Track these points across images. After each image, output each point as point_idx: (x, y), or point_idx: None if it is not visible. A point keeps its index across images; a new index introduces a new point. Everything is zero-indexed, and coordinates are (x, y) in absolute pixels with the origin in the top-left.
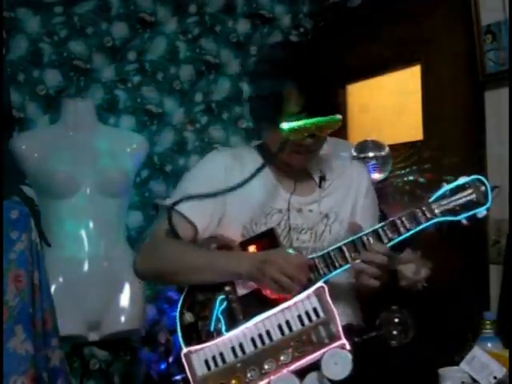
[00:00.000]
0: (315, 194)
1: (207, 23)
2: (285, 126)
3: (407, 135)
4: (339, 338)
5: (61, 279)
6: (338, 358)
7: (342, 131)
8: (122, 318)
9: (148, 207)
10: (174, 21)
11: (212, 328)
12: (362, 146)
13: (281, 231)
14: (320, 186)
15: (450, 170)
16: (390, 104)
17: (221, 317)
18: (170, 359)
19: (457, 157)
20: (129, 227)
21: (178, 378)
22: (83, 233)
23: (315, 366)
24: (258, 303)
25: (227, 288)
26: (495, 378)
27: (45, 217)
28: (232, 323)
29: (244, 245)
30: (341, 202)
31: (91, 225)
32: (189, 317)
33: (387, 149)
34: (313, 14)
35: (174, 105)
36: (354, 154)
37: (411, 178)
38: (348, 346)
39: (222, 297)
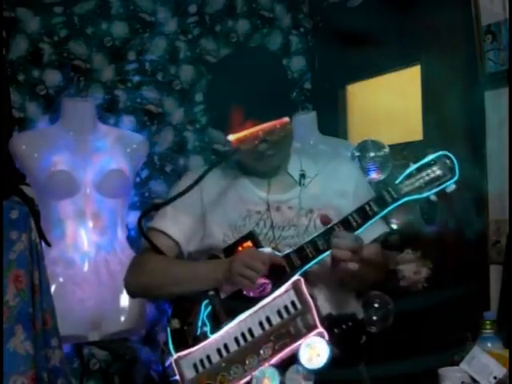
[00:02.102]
0: (294, 191)
1: (207, 23)
2: (231, 137)
3: (407, 135)
4: (316, 327)
5: (61, 279)
6: (314, 346)
7: (342, 131)
8: (122, 318)
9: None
10: (174, 21)
11: (198, 332)
12: (362, 146)
13: (261, 230)
14: (300, 184)
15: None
16: (389, 104)
17: (206, 321)
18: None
19: (457, 157)
20: (129, 227)
21: (177, 378)
22: (83, 233)
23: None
24: (240, 303)
25: (211, 292)
26: (495, 378)
27: (45, 217)
28: (217, 325)
29: (227, 251)
30: (324, 196)
31: (91, 225)
32: (175, 323)
33: (387, 149)
34: (313, 14)
35: (173, 105)
36: (355, 153)
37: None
38: (326, 335)
39: (206, 301)
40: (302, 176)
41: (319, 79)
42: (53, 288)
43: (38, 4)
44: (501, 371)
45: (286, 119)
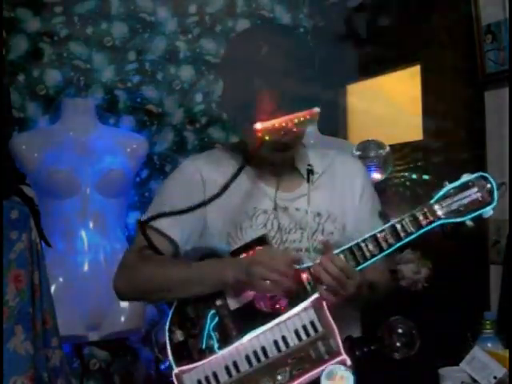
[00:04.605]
0: (302, 189)
1: (207, 23)
2: (259, 126)
3: (407, 135)
4: (339, 354)
5: (61, 279)
6: (337, 375)
7: (342, 131)
8: (122, 318)
9: (148, 207)
10: (174, 21)
11: (204, 346)
12: (363, 146)
13: (268, 232)
14: (308, 181)
15: (450, 169)
16: (389, 104)
17: (212, 333)
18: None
19: (457, 157)
20: (129, 227)
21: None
22: (83, 233)
23: None
24: (251, 318)
25: (218, 302)
26: (495, 377)
27: (45, 217)
28: (225, 340)
29: (235, 254)
30: (332, 198)
31: (91, 225)
32: (179, 334)
33: (388, 149)
34: (313, 13)
35: (173, 105)
36: (356, 153)
37: (413, 176)
38: (349, 362)
39: (213, 312)
40: (310, 172)
41: (319, 79)
42: (53, 288)
43: (37, 4)
44: (501, 371)
45: (317, 110)
